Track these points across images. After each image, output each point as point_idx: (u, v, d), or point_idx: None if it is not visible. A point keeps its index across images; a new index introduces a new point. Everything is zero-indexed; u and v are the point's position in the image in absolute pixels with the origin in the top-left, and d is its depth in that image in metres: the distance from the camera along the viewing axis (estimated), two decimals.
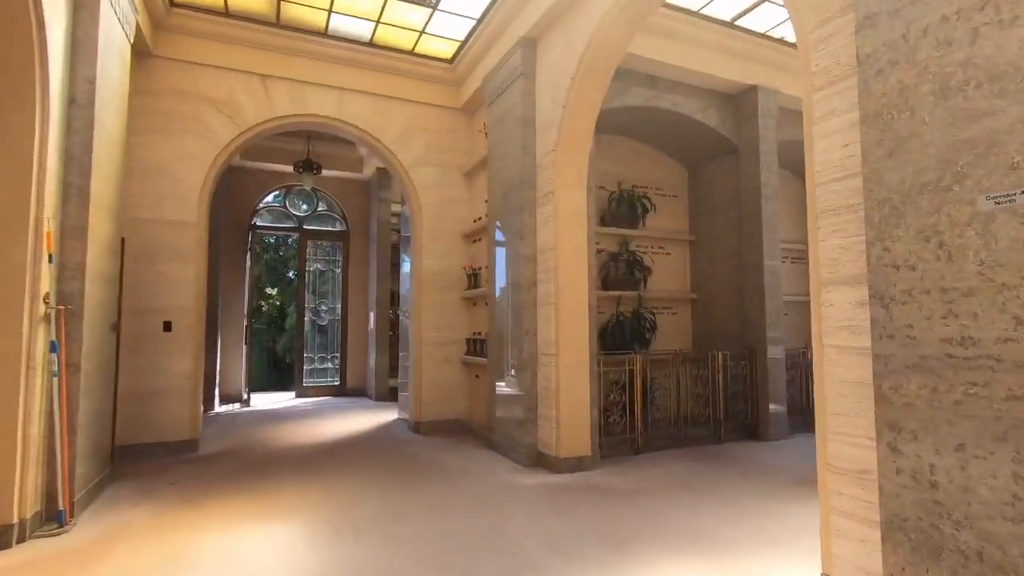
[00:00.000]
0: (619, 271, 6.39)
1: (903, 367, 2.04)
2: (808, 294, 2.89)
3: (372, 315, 9.56)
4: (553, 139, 4.89)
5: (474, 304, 6.63)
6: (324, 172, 9.35)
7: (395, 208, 9.82)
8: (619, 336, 6.11)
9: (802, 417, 6.29)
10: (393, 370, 9.10)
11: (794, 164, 7.26)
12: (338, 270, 10.27)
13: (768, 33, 6.03)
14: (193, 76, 5.59)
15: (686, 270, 7.21)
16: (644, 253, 6.66)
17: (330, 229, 10.24)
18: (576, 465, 4.69)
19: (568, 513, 3.70)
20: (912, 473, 1.97)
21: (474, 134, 6.80)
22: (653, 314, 6.47)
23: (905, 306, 2.03)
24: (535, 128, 5.21)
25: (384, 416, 7.56)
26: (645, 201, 6.65)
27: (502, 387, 5.42)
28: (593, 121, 4.83)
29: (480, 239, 6.51)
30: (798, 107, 6.80)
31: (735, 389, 6.03)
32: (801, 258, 7.54)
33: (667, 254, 7.07)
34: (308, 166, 8.09)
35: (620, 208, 6.51)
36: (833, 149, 2.48)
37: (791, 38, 6.12)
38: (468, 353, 6.56)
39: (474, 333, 6.56)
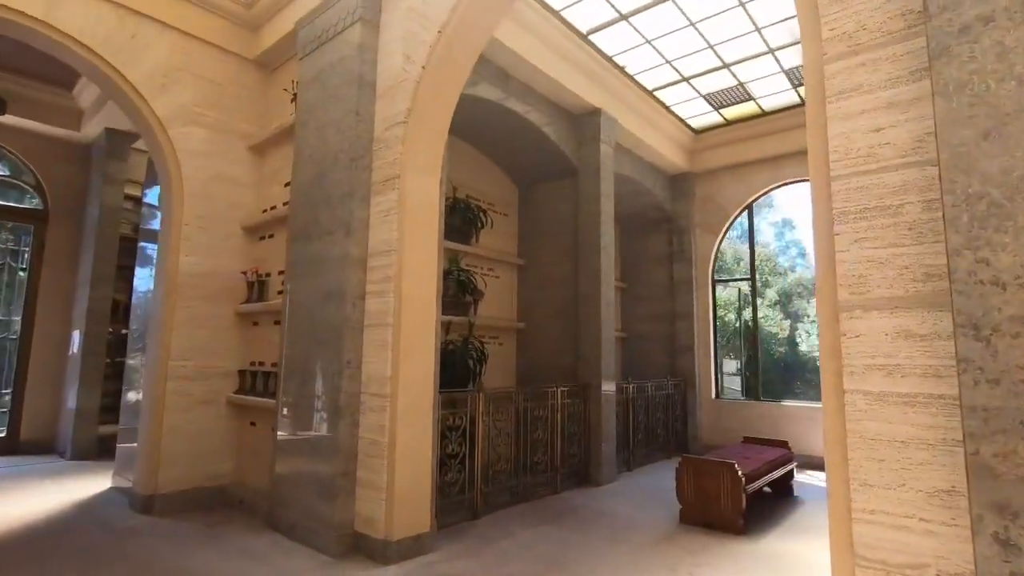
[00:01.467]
0: (449, 291, 5.36)
1: (1017, 424, 1.45)
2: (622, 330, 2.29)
3: (76, 334, 6.63)
4: (404, 107, 3.70)
5: (255, 323, 4.83)
6: (10, 117, 6.35)
7: (132, 191, 7.15)
8: (449, 369, 5.03)
9: (620, 456, 6.03)
10: (108, 412, 6.37)
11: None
12: (22, 266, 7.00)
13: (615, 58, 5.86)
14: None
15: (513, 296, 6.54)
16: (475, 273, 5.78)
17: (13, 206, 6.96)
18: (412, 548, 3.40)
19: None
20: None
21: (272, 96, 5.12)
22: (483, 344, 5.57)
23: (1018, 340, 1.46)
24: (375, 91, 3.94)
25: (87, 486, 5.01)
26: (482, 215, 5.81)
27: (298, 441, 3.83)
28: (459, 91, 3.81)
29: (273, 235, 4.80)
30: (632, 146, 6.85)
31: (571, 430, 5.45)
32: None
33: (496, 277, 6.31)
34: None
35: (453, 219, 5.54)
36: (857, 134, 1.91)
37: (634, 68, 6.08)
38: (242, 391, 4.70)
39: (253, 363, 4.74)
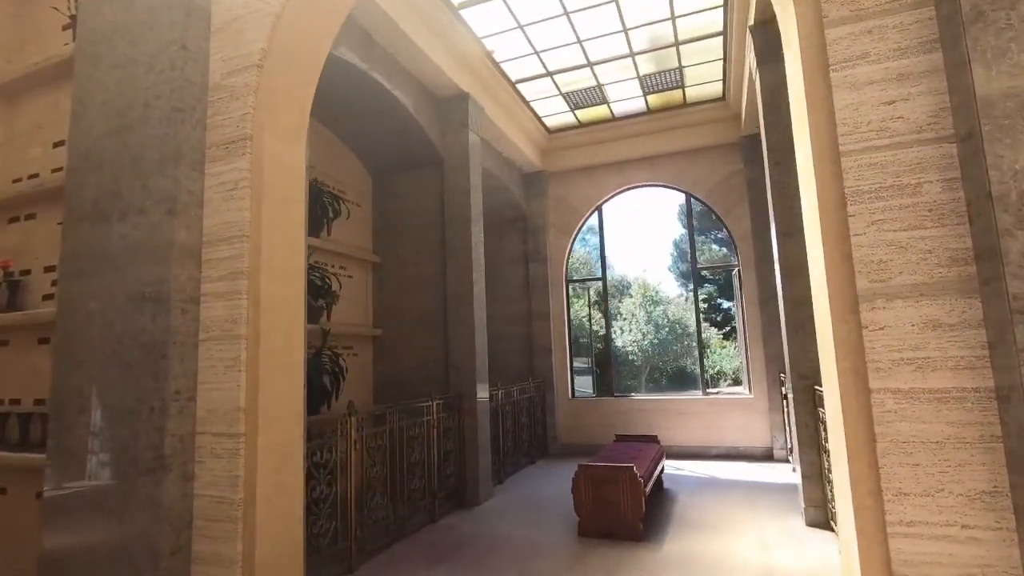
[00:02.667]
0: None
1: None
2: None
3: None
4: (257, 46, 2.78)
5: (3, 343, 3.31)
6: None
7: None
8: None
9: (492, 467, 5.62)
10: None
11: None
12: None
13: (483, 40, 5.45)
14: None
15: (369, 299, 5.71)
16: (327, 271, 4.86)
17: None
18: None
19: None
20: None
21: (31, 19, 3.61)
22: (338, 355, 4.68)
23: None
24: (209, 21, 2.91)
25: None
26: (336, 202, 4.91)
27: (86, 510, 2.62)
28: (336, 30, 3.01)
29: (34, 215, 3.36)
30: (492, 138, 6.49)
31: (447, 447, 4.85)
32: None
33: (349, 276, 5.43)
34: None
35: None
36: (867, 106, 1.74)
37: (501, 54, 5.73)
38: None
39: None
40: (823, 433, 3.95)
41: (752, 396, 6.80)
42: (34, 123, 3.46)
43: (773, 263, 6.56)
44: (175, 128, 2.72)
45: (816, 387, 4.08)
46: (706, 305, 20.90)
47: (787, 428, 6.26)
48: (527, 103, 6.79)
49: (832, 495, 3.89)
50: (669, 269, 23.10)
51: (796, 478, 5.53)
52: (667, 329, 19.48)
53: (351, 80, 4.46)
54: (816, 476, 4.08)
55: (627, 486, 3.90)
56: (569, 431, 7.49)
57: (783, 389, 6.33)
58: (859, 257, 1.71)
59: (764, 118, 4.48)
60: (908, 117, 1.70)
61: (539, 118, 7.23)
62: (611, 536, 3.92)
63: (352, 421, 3.59)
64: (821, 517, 4.02)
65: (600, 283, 8.09)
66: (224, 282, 2.68)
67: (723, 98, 6.85)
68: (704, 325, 20.20)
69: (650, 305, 20.63)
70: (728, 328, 20.78)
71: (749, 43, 4.94)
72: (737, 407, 6.84)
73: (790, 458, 6.15)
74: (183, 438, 2.59)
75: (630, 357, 19.20)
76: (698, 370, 7.60)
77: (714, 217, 7.43)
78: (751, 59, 4.80)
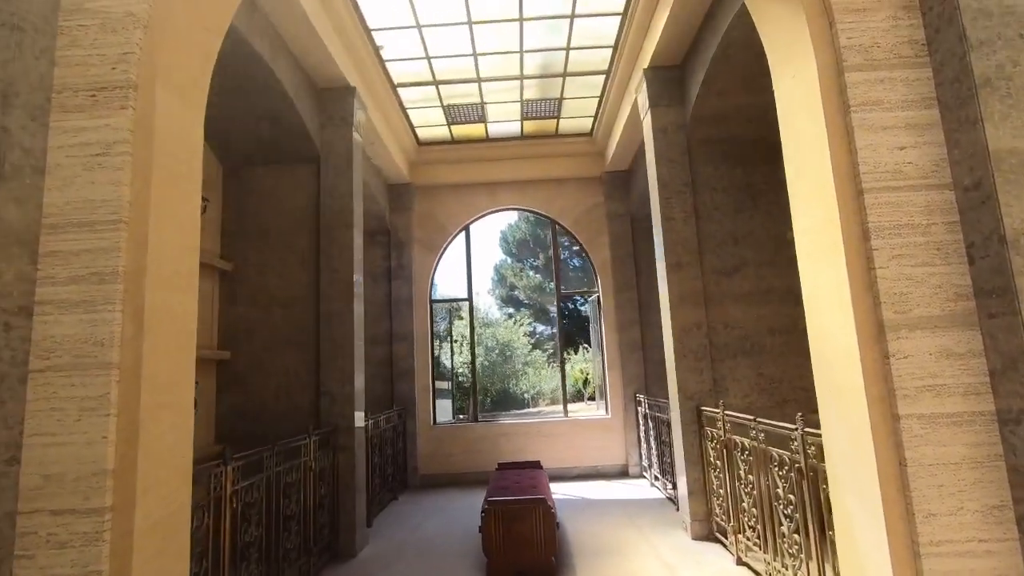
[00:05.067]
0: None
1: None
2: None
3: None
4: None
5: None
6: None
7: None
8: None
9: None
10: None
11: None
12: None
13: (373, 33, 4.96)
14: None
15: (214, 314, 4.67)
16: None
17: None
18: None
19: None
20: None
21: None
22: None
23: None
24: None
25: None
26: None
27: None
28: None
29: None
30: (366, 141, 5.93)
31: (321, 492, 4.12)
32: None
33: None
34: None
35: None
36: (883, 148, 1.87)
37: (391, 52, 5.29)
38: None
39: None
40: (709, 450, 4.26)
41: (609, 416, 7.17)
42: None
43: (634, 291, 7.11)
44: (6, 54, 1.83)
45: (702, 408, 4.40)
46: (530, 329, 22.04)
47: (643, 445, 6.72)
48: (404, 109, 6.37)
49: (716, 508, 4.19)
50: (489, 292, 23.90)
51: (657, 492, 5.93)
52: (496, 352, 19.94)
53: (224, 44, 3.63)
54: (700, 492, 4.36)
55: (541, 520, 3.70)
56: (430, 461, 7.03)
57: (639, 409, 6.80)
58: (884, 289, 1.79)
59: (656, 154, 4.80)
60: (917, 163, 1.85)
61: (412, 128, 6.84)
62: (523, 575, 3.66)
63: (228, 473, 2.79)
64: (706, 530, 4.29)
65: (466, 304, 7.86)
66: (81, 285, 1.85)
67: (590, 134, 7.26)
68: (528, 347, 21.25)
69: (480, 327, 20.97)
70: (550, 351, 22.16)
71: (635, 85, 5.30)
72: (596, 427, 7.15)
73: (645, 474, 6.59)
74: None
75: (459, 379, 19.24)
76: (522, 391, 7.79)
77: (575, 246, 7.77)
78: (640, 100, 5.13)
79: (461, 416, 8.73)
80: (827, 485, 2.47)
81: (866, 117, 1.89)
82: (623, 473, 6.95)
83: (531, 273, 24.81)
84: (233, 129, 4.57)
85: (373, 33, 4.96)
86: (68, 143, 1.92)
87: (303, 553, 3.70)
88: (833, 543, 2.53)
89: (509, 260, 24.53)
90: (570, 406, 7.81)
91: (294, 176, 4.89)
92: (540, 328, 23.67)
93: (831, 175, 1.91)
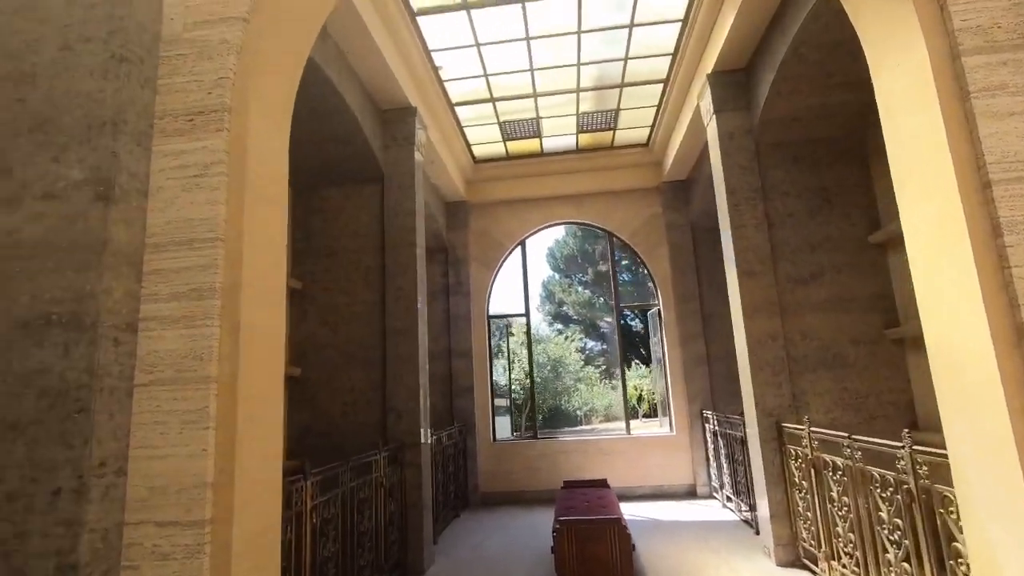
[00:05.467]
0: None
1: None
2: None
3: None
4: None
5: None
6: None
7: None
8: None
9: None
10: None
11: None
12: None
13: (432, 52, 5.05)
14: None
15: (285, 331, 4.79)
16: None
17: None
18: None
19: None
20: None
21: None
22: None
23: None
24: None
25: None
26: None
27: None
28: None
29: None
30: (425, 161, 6.02)
31: (391, 509, 4.12)
32: None
33: None
34: None
35: None
36: (1012, 136, 1.70)
37: (449, 72, 5.38)
38: None
39: None
40: (792, 470, 4.00)
41: (674, 434, 6.91)
42: None
43: (696, 302, 6.88)
44: (116, 83, 1.94)
45: (783, 424, 4.15)
46: (580, 344, 21.76)
47: (711, 464, 6.43)
48: (461, 128, 6.46)
49: (802, 532, 3.92)
50: (538, 309, 23.77)
51: (730, 514, 5.63)
52: (548, 368, 19.75)
53: (308, 70, 3.77)
54: (783, 514, 4.10)
55: (616, 541, 3.56)
56: (491, 479, 6.96)
57: (707, 426, 6.53)
58: (1022, 289, 1.62)
59: (722, 161, 4.64)
60: None
61: (469, 145, 6.93)
62: None
63: (307, 488, 2.81)
64: (791, 556, 4.02)
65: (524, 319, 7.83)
66: (182, 302, 1.91)
67: (647, 144, 7.15)
68: (580, 363, 20.96)
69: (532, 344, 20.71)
70: (602, 367, 21.79)
71: (696, 91, 5.18)
72: (660, 445, 6.90)
73: (716, 495, 6.29)
74: (107, 533, 1.73)
75: (513, 396, 19.12)
76: (574, 408, 7.60)
77: (637, 260, 7.62)
78: (703, 105, 5.00)
79: (517, 434, 8.63)
80: (946, 509, 2.25)
81: (989, 103, 1.73)
82: (690, 493, 6.65)
83: (580, 288, 24.60)
84: (303, 151, 4.73)
85: (433, 54, 5.07)
86: (169, 166, 2.01)
87: (376, 570, 3.69)
88: (954, 574, 2.29)
89: (557, 276, 24.42)
90: (624, 423, 7.58)
91: (359, 196, 5.01)
92: (590, 344, 23.37)
93: (951, 167, 1.75)
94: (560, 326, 22.98)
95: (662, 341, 7.26)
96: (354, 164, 4.85)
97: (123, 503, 1.79)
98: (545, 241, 24.16)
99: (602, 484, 5.26)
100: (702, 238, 7.13)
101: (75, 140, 1.89)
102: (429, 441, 4.74)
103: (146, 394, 1.86)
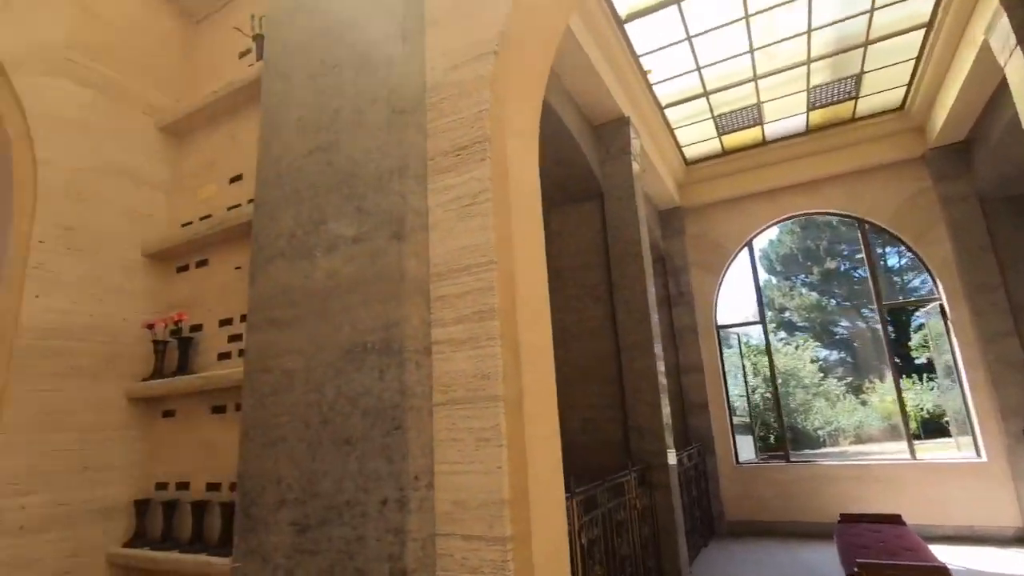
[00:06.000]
0: None
1: None
2: None
3: None
4: (492, 31, 2.23)
5: (168, 413, 2.78)
6: None
7: None
8: None
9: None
10: None
11: None
12: None
13: (641, 57, 4.89)
14: None
15: None
16: None
17: None
18: None
19: None
20: None
21: (203, 57, 3.33)
22: None
23: None
24: (422, 10, 2.42)
25: None
26: None
27: None
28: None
29: (206, 261, 2.89)
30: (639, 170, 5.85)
31: (644, 533, 3.92)
32: None
33: None
34: None
35: None
36: None
37: (658, 75, 5.16)
38: (140, 539, 2.58)
39: (163, 485, 2.68)
40: None
41: (983, 460, 5.45)
42: (207, 161, 3.07)
43: (1000, 292, 5.43)
44: (398, 134, 2.17)
45: None
46: (813, 355, 18.99)
47: None
48: (671, 130, 6.16)
49: None
50: (753, 316, 21.43)
51: None
52: (780, 381, 17.63)
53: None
54: None
55: None
56: (737, 505, 6.31)
57: None
58: None
59: None
60: None
61: (680, 148, 6.57)
62: None
63: (575, 507, 2.78)
64: None
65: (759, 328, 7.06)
66: (466, 325, 2.01)
67: (902, 107, 5.95)
68: (816, 374, 18.29)
69: (754, 355, 18.85)
70: (845, 378, 18.72)
71: (979, 26, 4.11)
72: (963, 474, 5.50)
73: None
74: (425, 543, 1.87)
75: (740, 414, 17.46)
76: (814, 427, 6.33)
77: (903, 247, 6.34)
78: (995, 41, 3.93)
79: (763, 456, 7.72)
80: None
81: None
82: (1019, 539, 5.13)
83: (804, 291, 21.71)
84: None
85: (641, 59, 4.92)
86: (444, 200, 2.18)
87: None
88: None
89: (774, 279, 21.94)
90: (884, 445, 6.22)
91: (579, 214, 5.04)
92: (822, 353, 20.33)
93: None
94: (784, 334, 20.51)
95: (950, 343, 5.84)
96: (574, 183, 4.91)
97: (433, 515, 1.93)
98: (756, 243, 22.01)
99: (895, 520, 4.32)
100: (997, 210, 5.62)
101: (371, 189, 2.17)
102: (675, 462, 4.44)
103: (443, 413, 1.99)
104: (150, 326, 2.79)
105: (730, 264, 7.00)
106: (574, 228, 5.05)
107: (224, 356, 2.68)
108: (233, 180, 2.90)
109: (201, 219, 2.94)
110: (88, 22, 2.89)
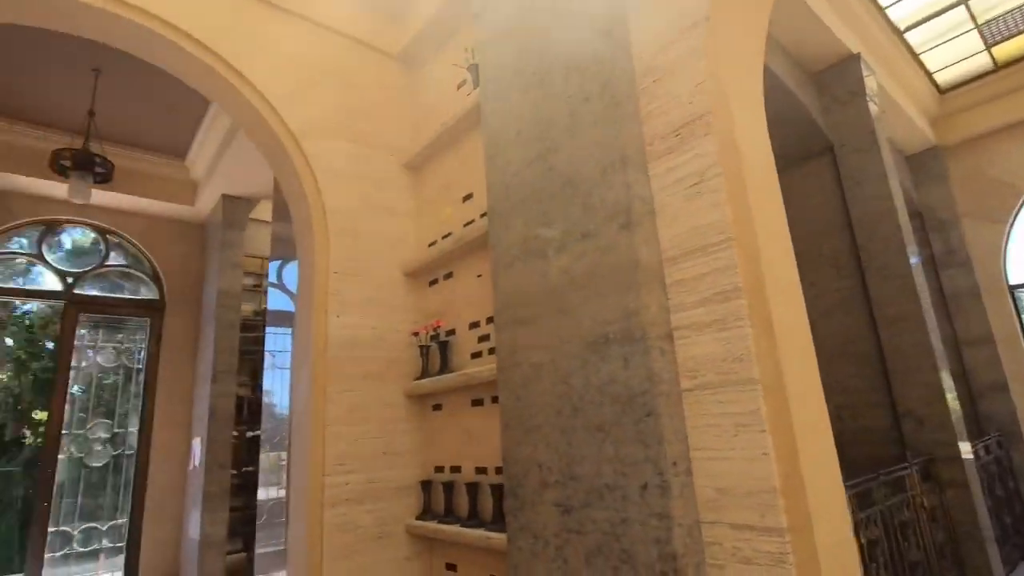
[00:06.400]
0: None
1: None
2: None
3: (197, 443, 5.42)
4: (697, 3, 2.12)
5: (436, 407, 3.24)
6: (123, 198, 5.56)
7: (252, 267, 6.15)
8: None
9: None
10: (240, 538, 4.99)
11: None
12: (138, 367, 6.02)
13: None
14: None
15: None
16: None
17: (128, 297, 6.09)
18: None
19: None
20: None
21: (424, 99, 3.81)
22: None
23: None
24: (623, 1, 2.41)
25: None
26: None
27: None
28: None
29: (451, 274, 3.30)
30: (876, 113, 4.97)
31: (938, 538, 3.30)
32: None
33: None
34: (83, 161, 4.29)
35: None
36: None
37: (903, 10, 4.32)
38: (427, 513, 3.05)
39: (439, 468, 3.12)
40: None
41: None
42: (442, 186, 3.50)
43: None
44: (615, 127, 2.20)
45: None
46: None
47: None
48: (916, 57, 5.11)
49: None
50: None
51: None
52: None
53: None
54: None
55: None
56: None
57: None
58: None
59: None
60: None
61: (930, 75, 5.41)
62: None
63: (849, 501, 2.47)
64: None
65: None
66: (708, 307, 1.94)
67: None
68: None
69: None
70: None
71: None
72: None
73: None
74: (691, 529, 1.85)
75: None
76: None
77: None
78: None
79: None
80: None
81: None
82: None
83: None
84: None
85: None
86: (666, 183, 2.14)
87: None
88: None
89: None
90: None
91: (804, 175, 4.49)
92: None
93: None
94: None
95: None
96: (793, 142, 4.40)
97: (695, 501, 1.90)
98: None
99: None
100: None
101: (595, 184, 2.24)
102: (971, 455, 3.66)
103: (693, 398, 1.96)
104: (415, 334, 3.30)
105: (1022, 207, 5.51)
106: (801, 192, 4.51)
107: (476, 355, 3.02)
108: (465, 199, 3.26)
109: (443, 237, 3.37)
110: (348, 90, 3.54)
